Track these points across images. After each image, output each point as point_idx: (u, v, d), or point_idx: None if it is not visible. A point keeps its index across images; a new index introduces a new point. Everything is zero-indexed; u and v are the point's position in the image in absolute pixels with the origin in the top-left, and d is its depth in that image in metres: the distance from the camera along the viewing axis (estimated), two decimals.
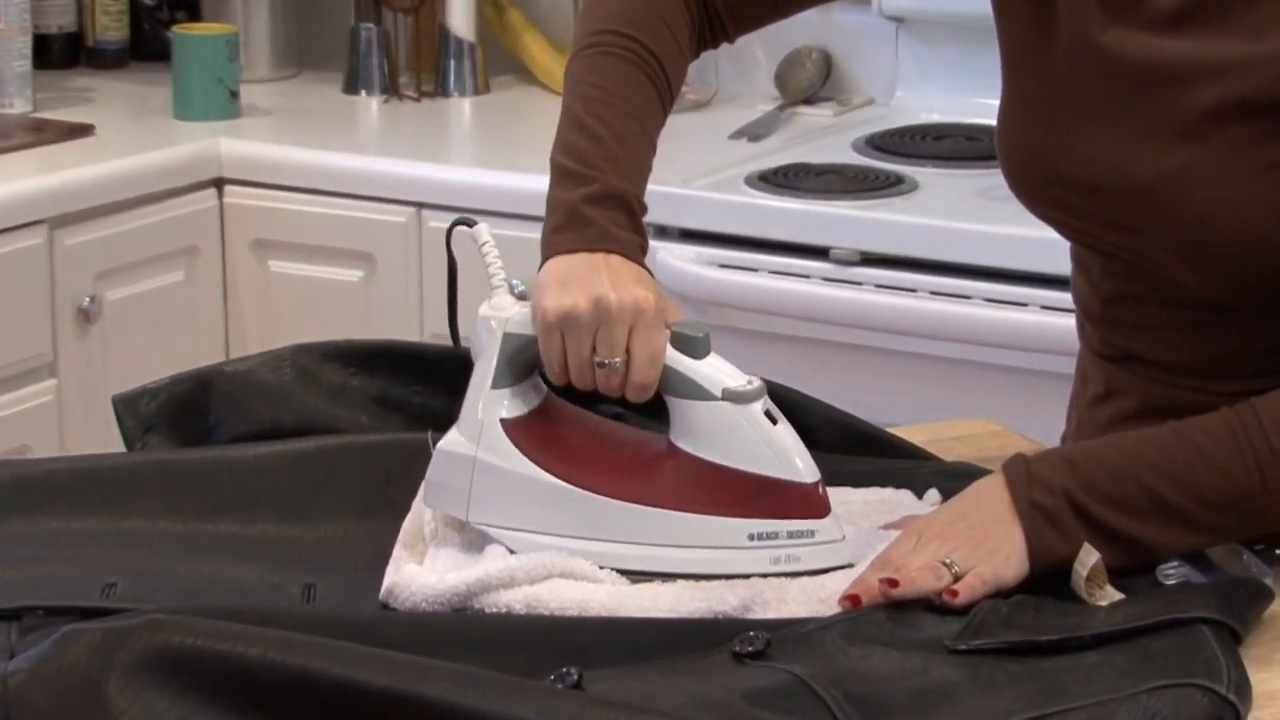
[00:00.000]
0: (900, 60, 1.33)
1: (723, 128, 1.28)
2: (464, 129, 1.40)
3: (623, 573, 0.61)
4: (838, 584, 0.60)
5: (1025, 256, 1.03)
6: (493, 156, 1.30)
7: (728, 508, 0.60)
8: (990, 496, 0.61)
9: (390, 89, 1.40)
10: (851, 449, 0.71)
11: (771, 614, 0.59)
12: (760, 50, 1.36)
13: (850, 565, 0.61)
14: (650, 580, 0.60)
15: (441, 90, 1.41)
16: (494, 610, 0.59)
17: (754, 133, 1.27)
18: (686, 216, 1.13)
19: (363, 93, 1.41)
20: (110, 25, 1.46)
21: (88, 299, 1.19)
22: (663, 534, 0.61)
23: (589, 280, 0.61)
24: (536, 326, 0.61)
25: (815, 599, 0.60)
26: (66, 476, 0.67)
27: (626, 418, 0.68)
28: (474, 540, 0.63)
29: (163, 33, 1.42)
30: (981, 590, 0.59)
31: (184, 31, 1.35)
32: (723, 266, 1.11)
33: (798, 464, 0.61)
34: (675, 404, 0.61)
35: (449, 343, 0.70)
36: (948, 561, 0.60)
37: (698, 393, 0.60)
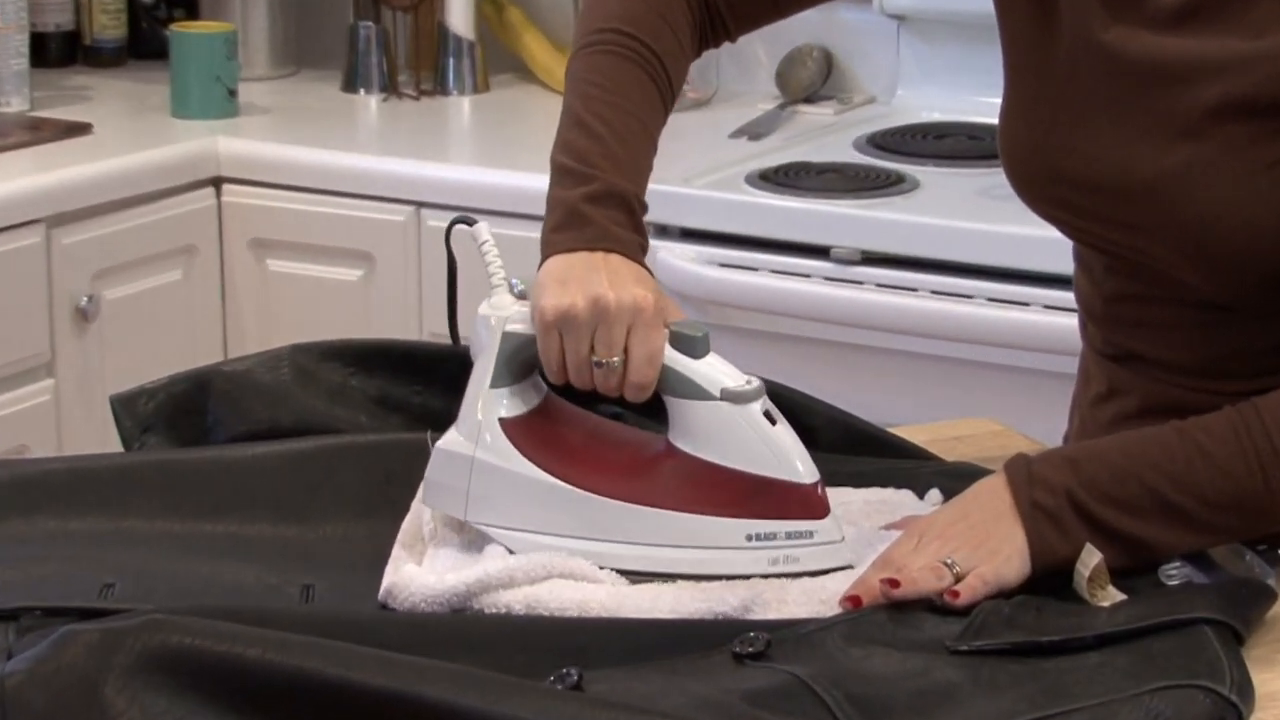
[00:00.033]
0: (901, 59, 1.33)
1: (723, 126, 1.28)
2: (463, 128, 1.39)
3: (622, 573, 0.60)
4: (838, 585, 0.60)
5: (1027, 256, 1.02)
6: (492, 155, 1.30)
7: (726, 508, 0.60)
8: (992, 496, 0.61)
9: (389, 87, 1.40)
10: (852, 449, 0.71)
11: (772, 615, 0.59)
12: (761, 49, 1.36)
13: (850, 567, 0.61)
14: (650, 581, 0.60)
15: (441, 89, 1.40)
16: (493, 610, 0.59)
17: (755, 131, 1.26)
18: (687, 216, 1.13)
19: (361, 91, 1.41)
20: (108, 23, 1.46)
21: (85, 298, 1.19)
22: (661, 534, 0.61)
23: (587, 279, 0.61)
24: (535, 325, 0.61)
25: (816, 600, 0.60)
26: (64, 476, 0.67)
27: (626, 418, 0.67)
28: (473, 540, 0.62)
29: (160, 31, 1.42)
30: (983, 591, 0.59)
31: (182, 30, 1.35)
32: (723, 266, 1.11)
33: (797, 465, 0.61)
34: (674, 404, 0.61)
35: (449, 342, 0.69)
36: (949, 562, 0.60)
37: (696, 392, 0.60)
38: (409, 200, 1.22)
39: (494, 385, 0.62)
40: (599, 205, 0.63)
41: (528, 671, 0.53)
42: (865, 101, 1.34)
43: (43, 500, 0.65)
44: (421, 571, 0.60)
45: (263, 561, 0.62)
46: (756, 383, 0.61)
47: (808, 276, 1.09)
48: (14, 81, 1.32)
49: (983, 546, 0.60)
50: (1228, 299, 0.65)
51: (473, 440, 0.62)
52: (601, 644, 0.56)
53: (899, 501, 0.68)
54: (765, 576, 0.60)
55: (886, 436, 0.73)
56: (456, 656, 0.53)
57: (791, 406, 0.68)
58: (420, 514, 0.64)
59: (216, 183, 1.27)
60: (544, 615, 0.59)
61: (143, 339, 1.22)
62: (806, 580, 0.60)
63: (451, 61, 1.40)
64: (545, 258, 0.63)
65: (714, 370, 0.61)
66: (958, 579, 0.59)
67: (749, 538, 0.60)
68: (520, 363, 0.62)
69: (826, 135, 1.26)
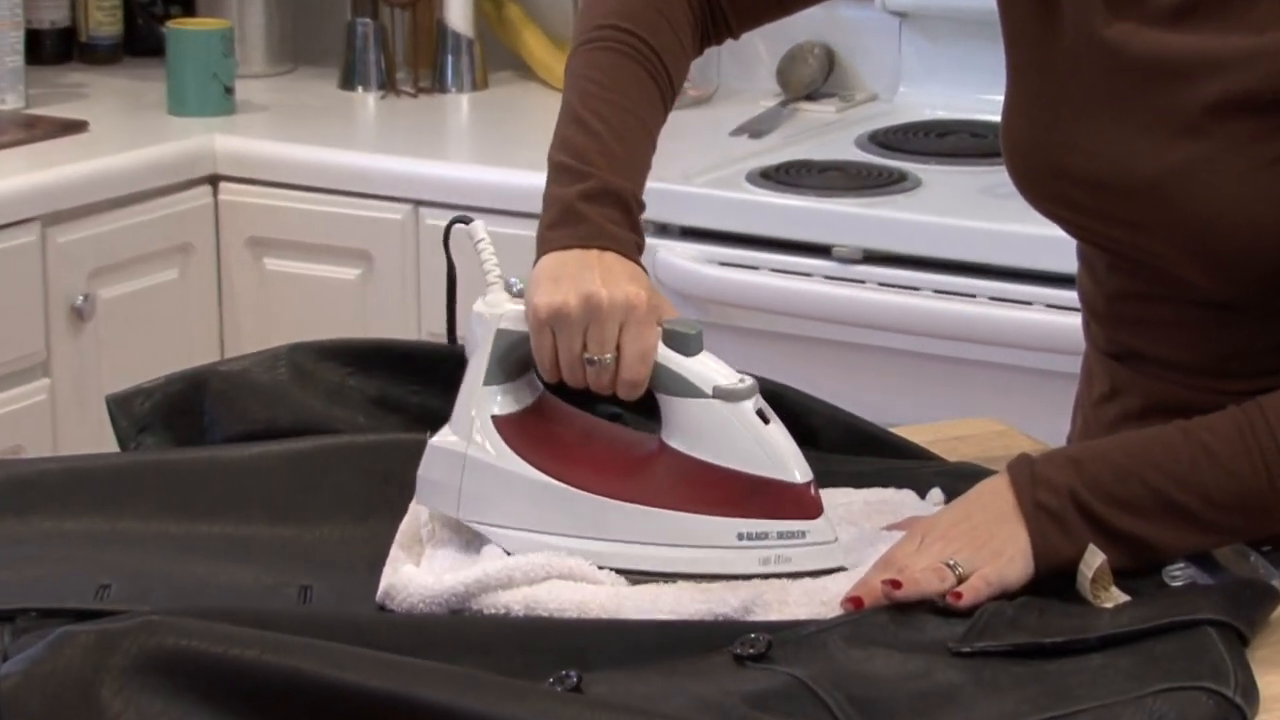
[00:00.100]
0: (903, 56, 1.33)
1: (724, 124, 1.27)
2: (462, 125, 1.39)
3: (618, 572, 0.60)
4: (840, 586, 0.60)
5: (1030, 254, 1.02)
6: (491, 153, 1.29)
7: (717, 507, 0.60)
8: (995, 497, 0.61)
9: (387, 85, 1.40)
10: (854, 449, 0.71)
11: (773, 616, 0.59)
12: (762, 46, 1.35)
13: (842, 568, 0.61)
14: (645, 580, 0.60)
15: (439, 86, 1.40)
16: (492, 611, 0.59)
17: (755, 129, 1.26)
18: (687, 214, 1.12)
19: (359, 88, 1.40)
20: (104, 20, 1.45)
21: (81, 297, 1.18)
22: (652, 532, 0.60)
23: (580, 276, 0.61)
24: (528, 323, 0.61)
25: (817, 601, 0.60)
26: (60, 477, 0.66)
27: (625, 418, 0.67)
28: (471, 541, 0.62)
29: (157, 28, 1.41)
30: (986, 592, 0.59)
31: (178, 26, 1.34)
32: (724, 265, 1.11)
33: (789, 464, 0.60)
34: (666, 401, 0.61)
35: (447, 342, 0.69)
36: (952, 563, 0.59)
37: (689, 390, 0.60)
38: (407, 199, 1.22)
39: (487, 383, 0.62)
40: (595, 203, 0.63)
41: (527, 673, 0.53)
42: (867, 99, 1.34)
43: (38, 501, 0.65)
44: (420, 572, 0.60)
45: (260, 562, 0.62)
46: (750, 381, 0.61)
47: (809, 275, 1.08)
48: (9, 79, 1.31)
49: (985, 547, 0.60)
50: (1230, 297, 0.64)
51: (465, 438, 0.62)
52: (601, 645, 0.56)
53: (900, 501, 0.67)
54: (757, 576, 0.60)
55: (888, 437, 0.73)
56: (455, 658, 0.53)
57: (793, 406, 0.68)
58: (418, 515, 0.64)
59: (213, 181, 1.26)
60: (543, 616, 0.58)
61: (139, 338, 1.21)
62: (808, 581, 0.60)
63: (450, 59, 1.40)
64: (540, 255, 0.63)
65: (707, 368, 0.61)
66: (960, 580, 0.59)
67: (740, 537, 0.60)
68: (514, 361, 0.62)
69: (828, 133, 1.26)
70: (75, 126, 1.26)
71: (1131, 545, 0.60)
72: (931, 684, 0.54)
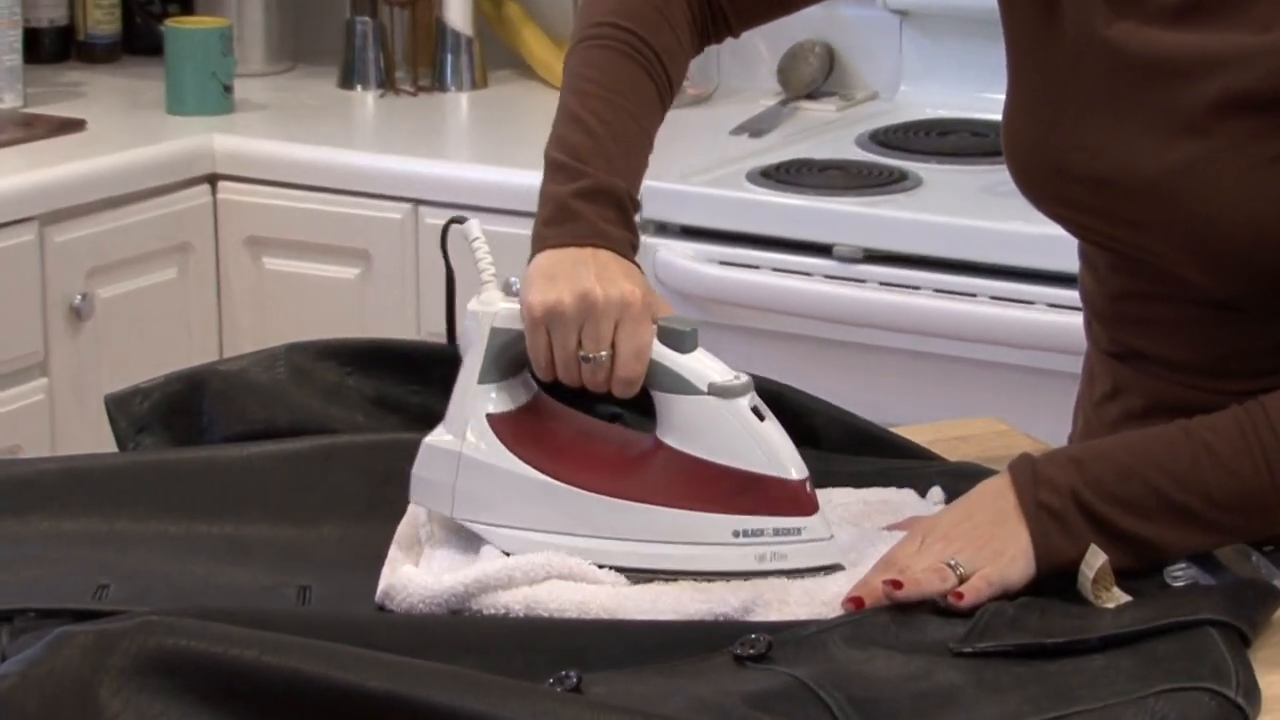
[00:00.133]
0: (904, 54, 1.32)
1: (724, 123, 1.27)
2: (461, 124, 1.39)
3: (616, 569, 0.60)
4: (840, 586, 0.60)
5: (1031, 253, 1.02)
6: (490, 152, 1.29)
7: (713, 503, 0.60)
8: (996, 497, 0.61)
9: (386, 83, 1.40)
10: (855, 449, 0.71)
11: (773, 616, 0.59)
12: (762, 44, 1.35)
13: (838, 565, 0.61)
14: (648, 580, 0.60)
15: (438, 85, 1.40)
16: (492, 611, 0.58)
17: (756, 128, 1.26)
18: (687, 213, 1.12)
19: (358, 87, 1.40)
20: (102, 19, 1.45)
21: (79, 297, 1.18)
22: (648, 529, 0.60)
23: (575, 274, 0.61)
24: (523, 321, 0.61)
25: (818, 601, 0.59)
26: (58, 477, 0.66)
27: (625, 419, 0.67)
28: (470, 541, 0.62)
29: (155, 26, 1.41)
30: (987, 592, 0.59)
31: (177, 25, 1.34)
32: (724, 264, 1.10)
33: (784, 461, 0.60)
34: (661, 399, 0.61)
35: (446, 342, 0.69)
36: (953, 563, 0.59)
37: (684, 387, 0.60)
38: (406, 198, 1.22)
39: (482, 381, 0.62)
40: (590, 201, 0.63)
41: (527, 673, 0.53)
42: (868, 98, 1.34)
43: (36, 501, 0.65)
44: (419, 572, 0.60)
45: (259, 562, 0.62)
46: (745, 378, 0.61)
47: (809, 275, 1.08)
48: (7, 77, 1.31)
49: (987, 547, 0.60)
50: (1232, 296, 0.64)
51: (460, 436, 0.62)
52: (601, 645, 0.56)
53: (901, 501, 0.67)
54: (753, 573, 0.60)
55: (889, 436, 0.72)
56: (455, 658, 0.53)
57: (793, 406, 0.67)
58: (417, 515, 0.64)
59: (212, 180, 1.26)
60: (543, 617, 0.58)
61: (137, 338, 1.21)
62: (808, 581, 0.60)
63: (449, 57, 1.40)
64: (535, 252, 0.63)
65: (702, 365, 0.61)
66: (961, 580, 0.59)
67: (736, 534, 0.60)
68: (509, 359, 0.62)
69: (828, 132, 1.26)
70: (73, 125, 1.26)
71: (1133, 545, 0.60)
72: (932, 684, 0.54)
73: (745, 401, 0.60)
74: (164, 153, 1.24)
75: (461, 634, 0.56)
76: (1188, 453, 0.60)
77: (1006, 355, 1.03)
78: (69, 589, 0.59)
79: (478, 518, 0.61)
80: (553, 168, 0.65)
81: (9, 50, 1.31)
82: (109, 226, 1.20)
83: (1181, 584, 0.60)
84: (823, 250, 1.08)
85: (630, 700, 0.52)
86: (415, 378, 0.71)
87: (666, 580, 0.60)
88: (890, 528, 0.65)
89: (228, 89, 1.32)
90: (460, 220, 0.63)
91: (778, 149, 1.21)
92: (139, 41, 1.46)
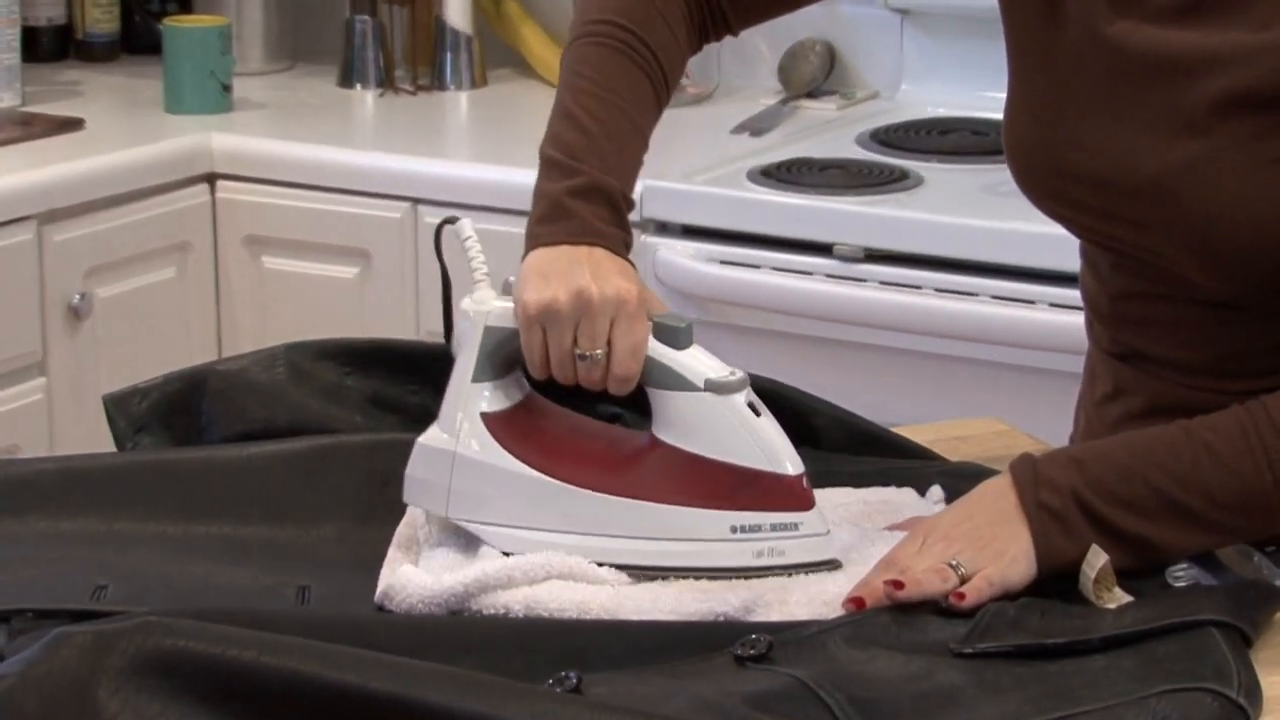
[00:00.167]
0: (905, 53, 1.32)
1: (724, 122, 1.27)
2: (460, 123, 1.39)
3: (615, 567, 0.60)
4: (841, 586, 0.60)
5: (1033, 253, 1.02)
6: (490, 151, 1.29)
7: (710, 500, 0.60)
8: (997, 497, 0.61)
9: (386, 82, 1.39)
10: (855, 449, 0.71)
11: (774, 616, 0.59)
12: (763, 43, 1.35)
13: (835, 560, 0.60)
14: (649, 580, 0.60)
15: (438, 83, 1.40)
16: (492, 611, 0.58)
17: (756, 127, 1.26)
18: (688, 212, 1.12)
19: (358, 86, 1.40)
20: (100, 17, 1.45)
21: (78, 296, 1.18)
22: (645, 527, 0.60)
23: (570, 273, 0.61)
24: (517, 319, 0.61)
25: (818, 601, 0.59)
26: (56, 477, 0.66)
27: (625, 419, 0.67)
28: (470, 541, 0.62)
29: (154, 25, 1.41)
30: (988, 592, 0.59)
31: (175, 24, 1.34)
32: (724, 263, 1.10)
33: (781, 456, 0.60)
34: (657, 395, 0.61)
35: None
36: (954, 563, 0.59)
37: (680, 383, 0.60)
38: (405, 196, 1.21)
39: (475, 380, 0.61)
40: (583, 200, 0.63)
41: (526, 674, 0.53)
42: (868, 96, 1.33)
43: (34, 501, 0.65)
44: (418, 572, 0.60)
45: (258, 563, 0.62)
46: (740, 374, 0.61)
47: (810, 274, 1.08)
48: (5, 76, 1.31)
49: (988, 548, 0.60)
50: (1233, 296, 0.64)
51: (454, 435, 0.61)
52: (601, 646, 0.55)
53: (901, 501, 0.67)
54: (751, 569, 0.59)
55: (890, 436, 0.72)
56: (455, 659, 0.53)
57: (794, 406, 0.67)
58: (416, 515, 0.64)
59: (210, 179, 1.26)
60: (543, 617, 0.58)
61: (136, 337, 1.21)
62: (809, 582, 0.60)
63: (449, 56, 1.39)
64: (529, 250, 0.63)
65: (698, 361, 0.61)
66: (963, 581, 0.59)
67: (734, 529, 0.60)
68: (502, 358, 0.62)
69: (829, 131, 1.25)
70: (72, 124, 1.26)
71: (1135, 545, 0.60)
72: (933, 685, 0.54)
73: (742, 397, 0.60)
74: (163, 152, 1.24)
75: (461, 634, 0.56)
76: (1189, 453, 0.60)
77: (1007, 355, 1.03)
78: (67, 589, 0.59)
79: (473, 517, 0.61)
80: (547, 165, 0.64)
81: (7, 49, 1.31)
82: (107, 226, 1.20)
83: (1183, 584, 0.60)
84: (823, 250, 1.08)
85: (631, 701, 0.52)
86: (414, 378, 0.71)
87: (666, 578, 0.60)
88: (891, 528, 0.64)
89: (226, 88, 1.32)
90: (452, 221, 0.63)
91: (778, 148, 1.20)
92: (137, 40, 1.46)
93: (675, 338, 0.60)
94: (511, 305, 0.61)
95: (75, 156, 1.20)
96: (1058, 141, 0.66)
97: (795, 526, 0.60)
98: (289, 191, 1.24)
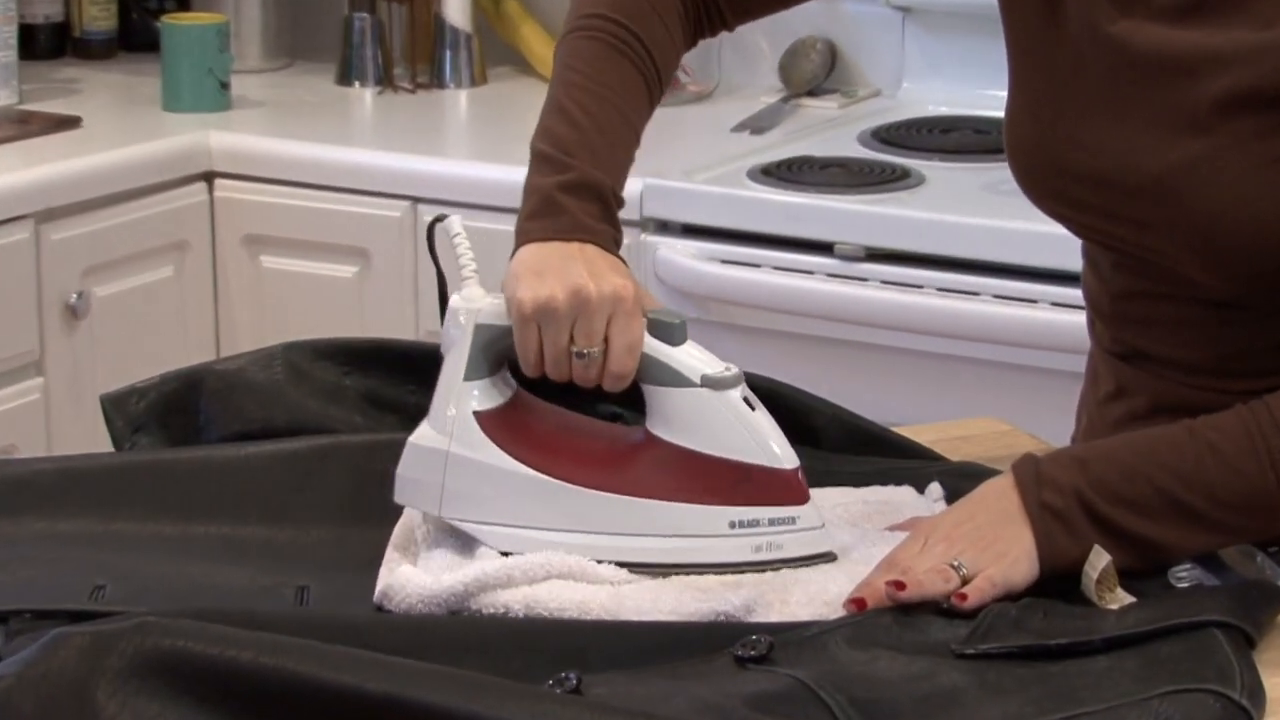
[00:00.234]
0: (907, 51, 1.32)
1: (725, 120, 1.26)
2: (460, 121, 1.38)
3: (616, 565, 0.60)
4: (842, 587, 0.60)
5: (1035, 252, 1.02)
6: (489, 149, 1.29)
7: (707, 495, 0.60)
8: (999, 497, 0.61)
9: (385, 80, 1.39)
10: (856, 448, 0.71)
11: (774, 616, 0.58)
12: (763, 41, 1.35)
13: (831, 554, 0.60)
14: (649, 579, 0.59)
15: (437, 81, 1.39)
16: (491, 611, 0.58)
17: (757, 125, 1.25)
18: (688, 211, 1.11)
19: (356, 84, 1.40)
20: (98, 15, 1.45)
21: (75, 295, 1.18)
22: (642, 524, 0.60)
23: (565, 270, 0.60)
24: (512, 317, 0.60)
25: (819, 602, 0.59)
26: (53, 477, 0.66)
27: (625, 418, 0.67)
28: (468, 540, 0.62)
29: (151, 22, 1.41)
30: (991, 593, 0.59)
31: (173, 21, 1.34)
32: (725, 262, 1.10)
33: (776, 450, 0.60)
34: (653, 392, 0.61)
35: None
36: (956, 564, 0.59)
37: (676, 380, 0.60)
38: (405, 195, 1.21)
39: (467, 378, 0.61)
40: (573, 195, 0.62)
41: (526, 674, 0.53)
42: (870, 95, 1.33)
43: (32, 501, 0.64)
44: (417, 572, 0.60)
45: (256, 563, 0.62)
46: (735, 369, 0.61)
47: (811, 273, 1.08)
48: (2, 74, 1.30)
49: (990, 548, 0.60)
50: (1235, 295, 0.64)
51: (446, 434, 0.61)
52: (601, 646, 0.55)
53: (902, 501, 0.67)
54: (750, 564, 0.59)
55: (891, 436, 0.72)
56: (454, 659, 0.52)
57: (794, 405, 0.67)
58: (413, 514, 0.63)
59: (208, 177, 1.26)
60: (543, 617, 0.58)
61: (134, 337, 1.21)
62: (810, 582, 0.60)
63: (448, 54, 1.39)
64: (518, 245, 0.62)
65: (693, 357, 0.60)
66: (965, 581, 0.59)
67: (732, 524, 0.60)
68: (494, 355, 0.62)
69: (830, 129, 1.25)
70: (69, 122, 1.26)
71: (1137, 545, 0.60)
72: (935, 686, 0.54)
73: (737, 393, 0.60)
74: (160, 150, 1.24)
75: (460, 635, 0.56)
76: (1192, 453, 0.60)
77: (1009, 354, 1.03)
78: (65, 590, 0.58)
79: (468, 516, 0.61)
80: (538, 159, 0.64)
81: (4, 46, 1.30)
82: (105, 224, 1.19)
83: (1186, 585, 0.60)
84: (824, 248, 1.08)
85: (631, 702, 0.52)
86: (413, 377, 0.71)
87: (665, 576, 0.59)
88: (892, 528, 0.64)
89: (224, 86, 1.32)
90: (442, 219, 0.62)
91: (779, 146, 1.20)
92: (135, 38, 1.46)
93: (670, 334, 0.60)
94: (501, 303, 0.61)
95: (72, 155, 1.20)
96: (1058, 141, 0.66)
97: (793, 520, 0.60)
98: (287, 190, 1.24)
